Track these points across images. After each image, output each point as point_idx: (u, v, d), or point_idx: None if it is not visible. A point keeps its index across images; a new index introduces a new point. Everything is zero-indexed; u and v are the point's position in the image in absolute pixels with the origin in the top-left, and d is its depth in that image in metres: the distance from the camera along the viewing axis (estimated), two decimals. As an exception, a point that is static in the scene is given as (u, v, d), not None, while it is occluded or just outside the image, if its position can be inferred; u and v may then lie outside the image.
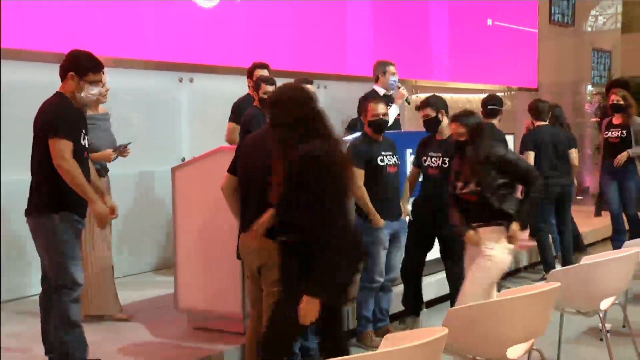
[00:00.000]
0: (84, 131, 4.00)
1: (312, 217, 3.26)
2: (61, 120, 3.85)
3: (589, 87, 14.19)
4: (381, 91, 6.56)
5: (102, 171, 5.14)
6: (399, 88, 6.62)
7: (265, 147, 3.77)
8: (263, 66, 5.98)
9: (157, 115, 7.02)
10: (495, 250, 4.28)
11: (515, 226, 4.29)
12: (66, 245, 3.89)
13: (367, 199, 4.90)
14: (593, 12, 14.62)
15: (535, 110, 7.17)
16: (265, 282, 3.85)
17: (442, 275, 5.63)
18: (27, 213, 3.97)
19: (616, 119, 7.86)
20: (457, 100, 10.90)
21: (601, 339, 5.20)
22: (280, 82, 5.11)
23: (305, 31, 8.34)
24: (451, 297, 5.33)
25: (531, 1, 12.43)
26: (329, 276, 3.28)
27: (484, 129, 4.46)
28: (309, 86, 5.33)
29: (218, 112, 6.60)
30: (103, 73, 5.19)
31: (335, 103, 8.15)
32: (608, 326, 4.83)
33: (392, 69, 6.62)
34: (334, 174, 3.29)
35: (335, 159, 3.32)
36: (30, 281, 5.64)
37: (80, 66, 3.92)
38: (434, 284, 6.07)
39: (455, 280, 5.05)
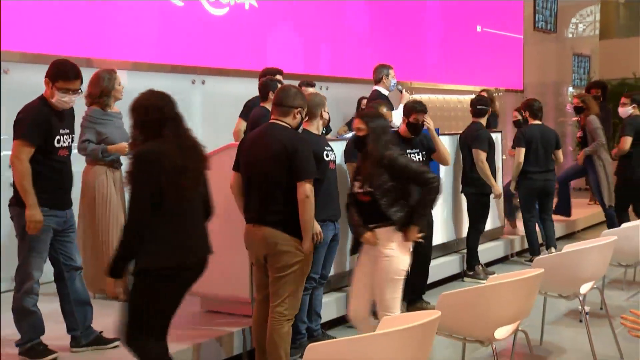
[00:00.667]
0: (65, 131, 3.89)
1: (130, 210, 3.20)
2: (24, 123, 3.75)
3: (570, 89, 14.16)
4: (385, 92, 6.52)
5: (116, 164, 5.12)
6: (401, 91, 6.59)
7: (263, 143, 3.77)
8: (279, 72, 6.07)
9: (171, 115, 6.98)
10: (393, 250, 4.00)
11: (410, 227, 3.99)
12: (31, 238, 3.82)
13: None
14: (573, 20, 14.59)
15: (531, 109, 7.15)
16: (271, 268, 3.85)
17: (434, 262, 5.59)
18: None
19: (581, 119, 8.02)
20: (449, 101, 10.87)
21: (580, 320, 5.20)
22: (284, 83, 5.12)
23: (307, 37, 8.31)
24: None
25: (517, 4, 12.40)
26: (117, 261, 3.20)
27: (386, 131, 4.10)
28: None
29: (228, 112, 6.57)
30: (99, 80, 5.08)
31: (336, 102, 8.13)
32: (587, 308, 4.85)
33: (392, 72, 6.60)
34: (156, 174, 3.12)
35: (167, 161, 3.13)
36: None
37: (53, 73, 3.82)
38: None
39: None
